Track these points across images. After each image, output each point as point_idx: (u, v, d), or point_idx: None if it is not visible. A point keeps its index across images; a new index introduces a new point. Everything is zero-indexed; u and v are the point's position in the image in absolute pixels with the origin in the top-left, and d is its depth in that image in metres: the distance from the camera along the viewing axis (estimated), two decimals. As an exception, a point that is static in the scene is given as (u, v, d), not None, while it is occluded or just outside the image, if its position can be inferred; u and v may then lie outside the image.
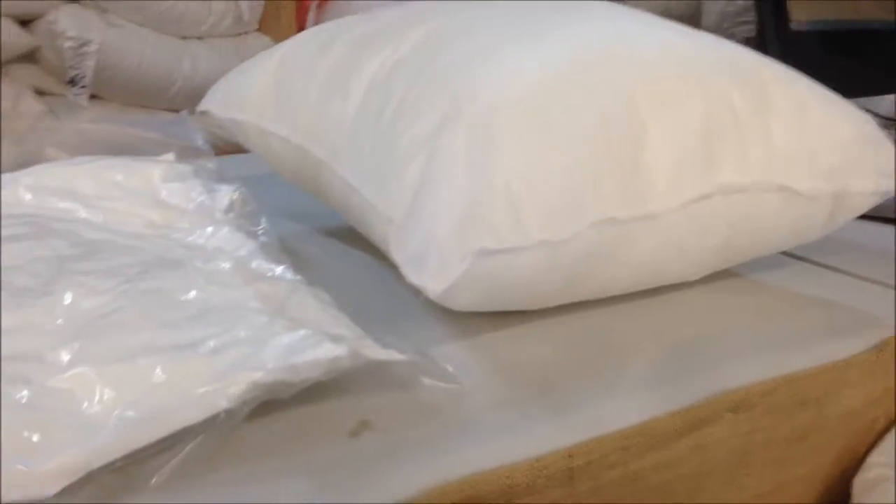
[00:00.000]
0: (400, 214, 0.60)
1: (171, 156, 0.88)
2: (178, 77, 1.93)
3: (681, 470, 0.60)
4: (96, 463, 0.48)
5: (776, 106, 0.70)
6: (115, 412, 0.50)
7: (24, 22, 1.82)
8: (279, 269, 0.68)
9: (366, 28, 0.77)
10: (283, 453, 0.52)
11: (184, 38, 1.97)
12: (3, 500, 0.45)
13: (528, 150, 0.60)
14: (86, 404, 0.51)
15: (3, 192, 0.78)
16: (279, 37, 2.06)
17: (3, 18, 1.76)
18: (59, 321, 0.57)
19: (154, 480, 0.48)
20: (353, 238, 0.82)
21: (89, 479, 0.48)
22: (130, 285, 0.61)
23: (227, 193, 0.82)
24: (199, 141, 0.91)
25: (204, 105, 0.89)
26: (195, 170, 0.85)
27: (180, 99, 1.92)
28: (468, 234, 0.56)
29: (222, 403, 0.50)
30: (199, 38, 1.99)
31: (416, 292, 0.68)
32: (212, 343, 0.54)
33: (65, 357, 0.54)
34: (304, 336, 0.55)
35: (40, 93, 1.87)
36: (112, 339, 0.55)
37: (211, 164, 0.87)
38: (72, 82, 1.79)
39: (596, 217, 0.62)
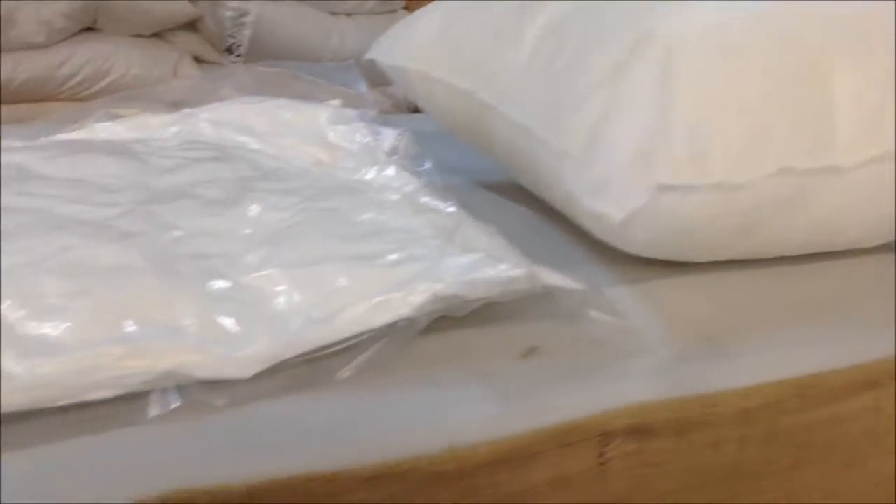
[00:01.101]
0: (577, 148, 0.61)
1: (336, 101, 0.92)
2: (327, 52, 1.98)
3: (852, 428, 0.59)
4: (287, 354, 0.50)
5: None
6: (302, 311, 0.53)
7: (188, -8, 1.91)
8: (446, 204, 0.70)
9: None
10: (459, 364, 0.54)
11: (333, 13, 2.03)
12: (199, 376, 0.48)
13: (713, 91, 0.60)
14: (275, 302, 0.54)
15: (185, 125, 0.83)
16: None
17: (169, -13, 1.86)
18: (248, 230, 0.60)
19: (339, 375, 0.51)
20: (515, 192, 0.83)
21: (280, 369, 0.50)
22: (309, 203, 0.64)
23: (391, 137, 0.84)
24: (363, 89, 0.94)
25: (371, 54, 0.92)
26: (360, 115, 0.88)
27: (328, 72, 1.98)
28: (650, 168, 0.56)
29: (404, 311, 0.52)
30: (348, 14, 2.05)
31: (581, 237, 0.69)
32: (392, 256, 0.56)
33: (255, 259, 0.57)
34: (481, 258, 0.56)
35: (198, 60, 1.96)
36: (296, 247, 0.58)
37: (373, 111, 0.90)
38: (229, 50, 1.87)
39: (776, 165, 0.61)
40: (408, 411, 0.50)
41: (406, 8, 2.12)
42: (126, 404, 0.47)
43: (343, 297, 0.53)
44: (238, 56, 1.88)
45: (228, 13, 1.84)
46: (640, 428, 0.52)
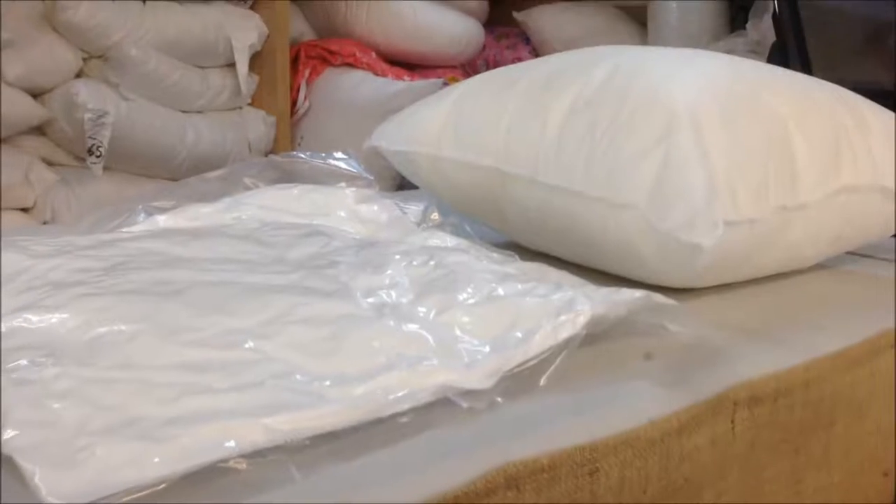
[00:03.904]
0: (642, 199, 0.82)
1: (343, 184, 1.07)
2: (183, 148, 2.08)
3: (862, 390, 0.83)
4: (506, 367, 0.66)
5: (870, 124, 0.97)
6: (495, 337, 0.69)
7: (34, 95, 1.94)
8: (506, 255, 0.88)
9: (541, 72, 0.99)
10: (610, 364, 0.72)
11: (185, 112, 2.13)
12: (461, 387, 0.63)
13: (728, 149, 0.84)
14: (459, 335, 0.69)
15: (237, 211, 0.95)
16: (272, 110, 2.26)
17: (17, 92, 1.88)
18: (405, 280, 0.75)
19: (542, 381, 0.67)
20: (522, 252, 1.02)
21: (501, 379, 0.66)
22: (436, 261, 0.79)
23: (418, 207, 1.01)
24: (364, 173, 1.10)
25: (374, 141, 1.08)
26: (379, 193, 1.04)
27: (185, 169, 2.07)
28: (715, 208, 0.79)
29: (576, 329, 0.70)
30: (199, 111, 2.15)
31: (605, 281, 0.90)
32: (541, 291, 0.74)
33: (427, 305, 0.72)
34: (606, 290, 0.75)
35: (49, 163, 1.98)
36: (456, 293, 0.74)
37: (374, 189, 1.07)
38: (90, 152, 1.91)
39: (775, 202, 0.86)
40: (599, 401, 0.68)
41: (251, 104, 2.26)
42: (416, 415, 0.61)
43: (527, 322, 0.70)
44: (99, 157, 1.92)
45: (88, 115, 1.89)
46: (752, 398, 0.72)
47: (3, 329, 0.64)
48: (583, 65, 0.98)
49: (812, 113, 0.93)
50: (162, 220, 0.92)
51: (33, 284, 0.70)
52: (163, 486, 0.50)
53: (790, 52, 1.43)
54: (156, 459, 0.50)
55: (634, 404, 0.67)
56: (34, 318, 0.65)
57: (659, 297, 0.76)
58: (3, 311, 0.65)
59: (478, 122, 1.00)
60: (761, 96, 0.91)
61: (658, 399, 0.68)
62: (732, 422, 0.71)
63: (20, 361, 0.58)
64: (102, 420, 0.53)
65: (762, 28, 1.81)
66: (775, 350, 0.79)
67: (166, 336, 0.62)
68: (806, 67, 1.42)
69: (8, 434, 0.51)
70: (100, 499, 0.48)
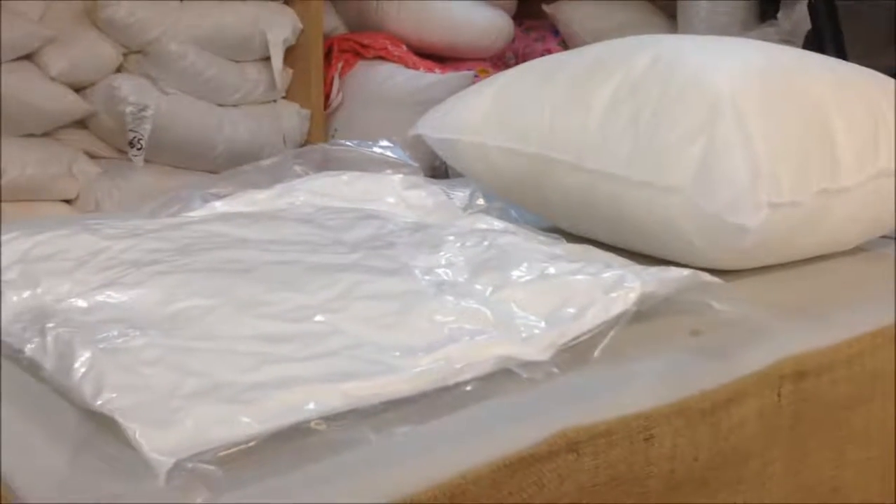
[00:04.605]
0: (688, 183, 0.85)
1: (389, 171, 1.11)
2: (220, 141, 2.12)
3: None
4: (561, 340, 0.70)
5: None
6: (548, 313, 0.72)
7: (77, 90, 2.00)
8: (551, 237, 0.91)
9: (583, 61, 1.03)
10: (658, 340, 0.76)
11: (221, 105, 2.17)
12: (522, 358, 0.66)
13: (769, 133, 0.87)
14: (516, 311, 0.73)
15: (289, 197, 0.99)
16: (307, 103, 2.30)
17: (61, 87, 1.94)
18: (460, 259, 0.78)
19: (595, 354, 0.71)
20: (566, 236, 1.05)
21: (557, 351, 0.69)
22: (489, 241, 0.83)
23: (462, 195, 1.05)
24: (409, 160, 1.14)
25: (418, 129, 1.12)
26: (424, 180, 1.08)
27: (221, 161, 2.11)
28: (758, 191, 0.82)
29: (627, 305, 0.73)
30: (235, 105, 2.20)
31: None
32: (591, 269, 0.77)
33: (483, 283, 0.75)
34: (654, 268, 0.78)
35: (91, 156, 2.03)
36: (509, 271, 0.77)
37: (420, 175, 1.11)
38: (131, 144, 1.96)
39: (816, 187, 0.89)
40: (651, 373, 0.71)
41: (286, 97, 2.30)
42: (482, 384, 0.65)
43: (580, 298, 0.73)
44: (140, 149, 1.97)
45: (129, 108, 1.94)
46: (797, 373, 0.75)
47: (87, 304, 0.68)
48: (625, 53, 1.01)
49: (850, 98, 0.96)
50: (219, 206, 0.96)
51: (110, 264, 0.74)
52: (252, 443, 0.54)
53: (825, 39, 1.45)
54: (245, 419, 0.54)
55: (685, 376, 0.71)
56: (116, 294, 0.69)
57: (705, 276, 0.79)
58: (86, 288, 0.70)
59: (521, 110, 1.04)
60: (801, 82, 0.94)
61: (707, 372, 0.72)
62: (779, 395, 0.74)
63: (109, 332, 0.62)
64: (191, 385, 0.57)
65: (794, 17, 1.83)
66: (818, 328, 0.82)
67: (242, 310, 0.66)
68: (841, 54, 1.45)
69: (106, 396, 0.55)
70: (196, 454, 0.51)
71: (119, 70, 2.05)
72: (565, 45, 2.63)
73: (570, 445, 0.61)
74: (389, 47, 2.42)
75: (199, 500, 0.49)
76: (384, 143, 1.14)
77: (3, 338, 0.67)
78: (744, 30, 2.20)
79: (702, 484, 0.69)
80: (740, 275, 0.92)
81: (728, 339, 0.78)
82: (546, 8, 2.64)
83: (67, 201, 2.04)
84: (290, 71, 2.29)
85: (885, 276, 0.98)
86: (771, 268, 0.95)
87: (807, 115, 0.92)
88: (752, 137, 0.86)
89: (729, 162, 0.84)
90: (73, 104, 1.96)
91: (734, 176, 0.83)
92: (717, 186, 0.84)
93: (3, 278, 0.72)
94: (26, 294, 0.70)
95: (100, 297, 0.68)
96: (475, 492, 0.56)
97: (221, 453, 0.52)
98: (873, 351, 0.81)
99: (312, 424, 0.56)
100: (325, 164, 1.10)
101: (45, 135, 1.98)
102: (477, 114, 1.07)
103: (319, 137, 2.34)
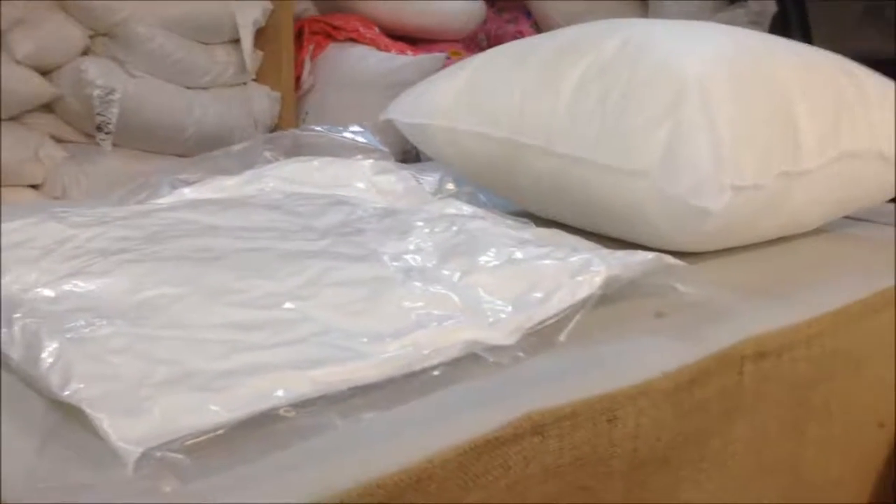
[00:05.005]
0: (654, 167, 0.86)
1: (359, 156, 1.11)
2: (190, 124, 2.11)
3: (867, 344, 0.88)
4: (528, 325, 0.71)
5: (869, 92, 1.01)
6: (517, 297, 0.73)
7: (43, 73, 1.98)
8: (521, 222, 0.92)
9: (553, 44, 1.04)
10: (624, 322, 0.77)
11: (190, 88, 2.16)
12: (487, 343, 0.67)
13: (734, 118, 0.89)
14: (484, 294, 0.74)
15: (258, 183, 0.99)
16: (277, 86, 2.30)
17: (26, 70, 1.92)
18: (429, 245, 0.79)
19: (561, 338, 0.72)
20: (535, 220, 1.07)
21: (523, 336, 0.71)
22: (458, 227, 0.84)
23: (432, 180, 1.06)
24: (379, 145, 1.14)
25: (389, 114, 1.12)
26: (394, 165, 1.08)
27: (191, 144, 2.11)
28: (723, 174, 0.83)
29: (593, 289, 0.74)
30: (205, 88, 2.19)
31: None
32: (558, 254, 0.78)
33: (451, 268, 0.76)
34: (620, 252, 0.80)
35: (57, 140, 2.02)
36: (477, 256, 0.78)
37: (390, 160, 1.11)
38: (98, 128, 1.95)
39: (778, 169, 0.90)
40: (615, 356, 0.72)
41: (255, 79, 2.29)
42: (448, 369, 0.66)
43: (546, 283, 0.74)
44: (108, 133, 1.96)
45: (97, 92, 1.93)
46: (758, 353, 0.77)
47: (54, 293, 0.68)
48: (595, 37, 1.02)
49: (814, 82, 0.97)
50: (188, 192, 0.96)
51: (77, 253, 0.74)
52: (221, 431, 0.54)
53: (792, 22, 1.47)
54: (214, 407, 0.55)
55: (648, 358, 0.72)
56: (83, 283, 0.69)
57: (669, 259, 0.81)
58: (52, 278, 0.70)
59: (492, 94, 1.05)
60: (766, 67, 0.96)
61: (670, 353, 0.73)
62: (740, 374, 0.76)
63: (76, 322, 0.62)
64: (160, 373, 0.57)
65: (763, -1, 1.85)
66: (780, 308, 0.84)
67: (210, 297, 0.67)
68: (807, 37, 1.46)
69: (74, 387, 0.56)
70: (164, 443, 0.52)
71: (86, 53, 2.03)
72: (538, 27, 2.64)
73: (536, 428, 0.62)
74: (361, 29, 2.41)
75: (167, 489, 0.50)
76: (355, 128, 1.15)
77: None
78: (714, 11, 2.21)
79: (664, 463, 0.71)
80: (704, 257, 0.94)
81: (691, 321, 0.79)
82: (517, -12, 2.64)
83: (34, 186, 2.03)
84: (261, 53, 2.27)
85: (846, 256, 1.00)
86: (734, 250, 0.97)
87: (771, 100, 0.93)
88: (717, 122, 0.87)
89: (693, 146, 0.85)
90: (40, 87, 1.94)
91: (698, 160, 0.85)
92: (681, 170, 0.85)
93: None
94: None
95: (66, 287, 0.68)
96: (442, 475, 0.57)
97: (190, 442, 0.53)
98: (833, 330, 0.83)
99: (281, 412, 0.57)
100: (296, 150, 1.10)
101: (11, 119, 1.97)
102: (448, 98, 1.08)
103: (290, 120, 2.34)
